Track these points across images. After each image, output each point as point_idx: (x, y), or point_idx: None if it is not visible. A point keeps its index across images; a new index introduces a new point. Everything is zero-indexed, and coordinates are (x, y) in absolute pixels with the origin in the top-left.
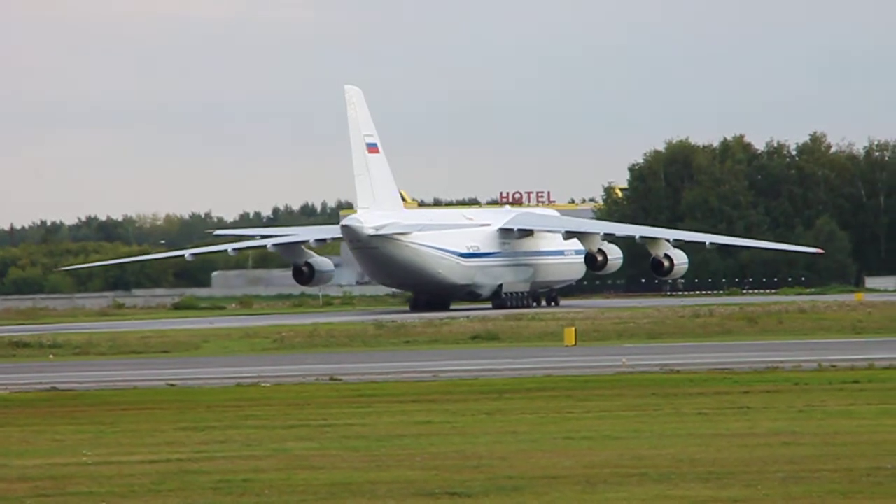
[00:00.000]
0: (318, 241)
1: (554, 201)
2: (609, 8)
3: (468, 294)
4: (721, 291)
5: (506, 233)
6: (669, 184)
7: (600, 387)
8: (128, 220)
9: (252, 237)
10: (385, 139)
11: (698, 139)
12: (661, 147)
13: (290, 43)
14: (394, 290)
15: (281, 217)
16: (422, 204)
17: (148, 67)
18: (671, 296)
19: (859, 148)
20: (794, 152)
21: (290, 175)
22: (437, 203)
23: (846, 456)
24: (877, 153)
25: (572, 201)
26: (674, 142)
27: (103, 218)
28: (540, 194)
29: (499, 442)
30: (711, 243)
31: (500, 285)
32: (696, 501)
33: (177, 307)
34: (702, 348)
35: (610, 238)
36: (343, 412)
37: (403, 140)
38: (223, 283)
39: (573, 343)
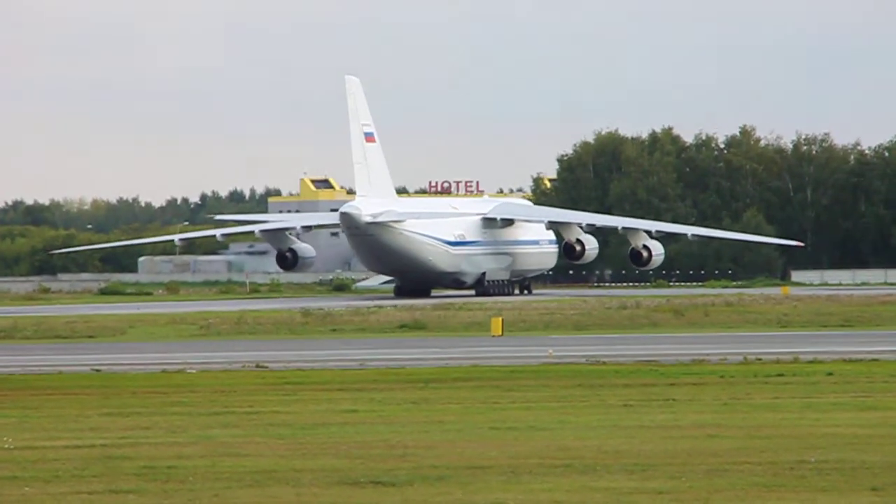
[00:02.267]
0: (304, 227)
1: (483, 191)
2: None
3: (454, 281)
4: (648, 283)
5: (489, 222)
6: (598, 175)
7: (526, 377)
8: (55, 205)
9: (252, 223)
10: (318, 127)
11: (627, 131)
12: (590, 138)
13: (230, 24)
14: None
15: (209, 203)
16: (350, 192)
17: (75, 47)
18: (597, 287)
19: (787, 142)
20: (722, 145)
21: (219, 161)
22: None
23: (770, 449)
24: (804, 147)
25: (501, 191)
26: (603, 133)
27: (30, 202)
28: (469, 183)
29: (424, 431)
30: (693, 235)
31: (484, 273)
32: (621, 493)
33: (103, 292)
34: (628, 340)
35: (590, 229)
36: (269, 400)
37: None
38: (150, 268)
39: (500, 333)
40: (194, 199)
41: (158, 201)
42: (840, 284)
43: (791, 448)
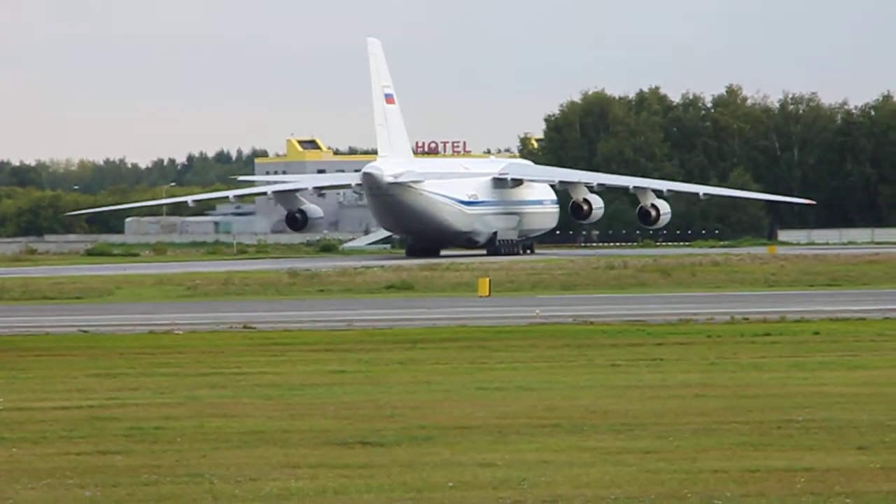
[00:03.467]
0: (316, 188)
1: (469, 151)
2: None
3: (467, 241)
4: (635, 243)
5: (499, 182)
6: (585, 135)
7: (513, 338)
8: (41, 166)
9: (273, 183)
10: (299, 84)
11: (614, 91)
12: (577, 98)
13: None
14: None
15: (196, 164)
16: (337, 153)
17: (62, 8)
18: (585, 247)
19: (774, 101)
20: (709, 105)
21: (206, 122)
22: (353, 151)
23: (757, 408)
24: (791, 106)
25: (488, 151)
26: (590, 93)
27: (16, 163)
28: (455, 144)
29: (412, 392)
30: (705, 194)
31: (495, 233)
32: (609, 452)
33: (90, 253)
34: (615, 300)
35: (600, 188)
36: (256, 360)
37: (320, 88)
38: (137, 229)
39: (487, 294)
40: (181, 160)
41: (145, 162)
42: (827, 244)
43: (778, 407)
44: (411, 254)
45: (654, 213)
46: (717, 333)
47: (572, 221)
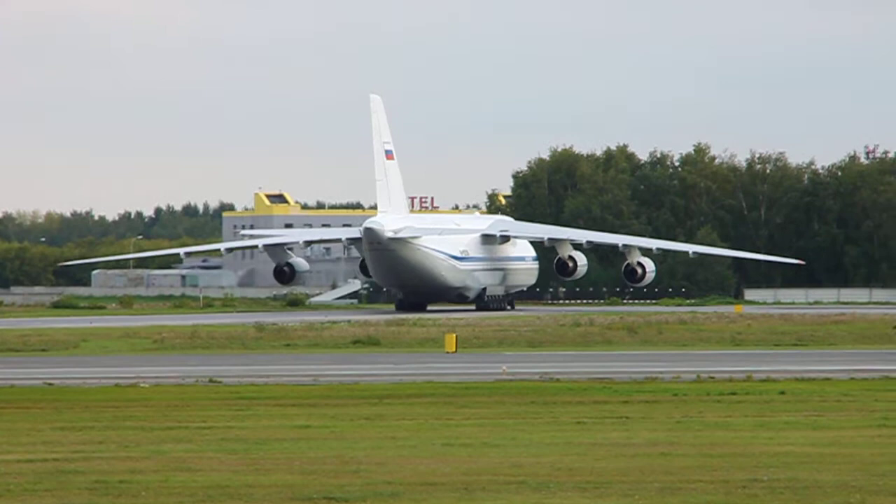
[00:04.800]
0: (306, 242)
1: (437, 207)
2: (498, 12)
3: (458, 296)
4: (602, 301)
5: (488, 238)
6: (553, 191)
7: (480, 394)
8: (7, 217)
9: (270, 237)
10: (266, 138)
11: (582, 148)
12: (545, 155)
13: (193, 39)
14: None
15: (163, 217)
16: (305, 207)
17: (28, 60)
18: (551, 304)
19: (741, 160)
20: (677, 163)
21: (173, 175)
22: (321, 206)
23: (723, 467)
24: (758, 166)
25: (456, 207)
26: (558, 150)
27: None
28: (423, 199)
29: (378, 447)
30: (694, 252)
31: (484, 288)
32: None
33: (56, 305)
34: (582, 357)
35: (591, 245)
36: (222, 414)
37: (287, 143)
38: (103, 282)
39: (454, 350)
40: (148, 212)
41: (112, 215)
42: (793, 303)
43: (744, 466)
44: (401, 308)
45: (640, 270)
46: (684, 392)
47: (545, 278)
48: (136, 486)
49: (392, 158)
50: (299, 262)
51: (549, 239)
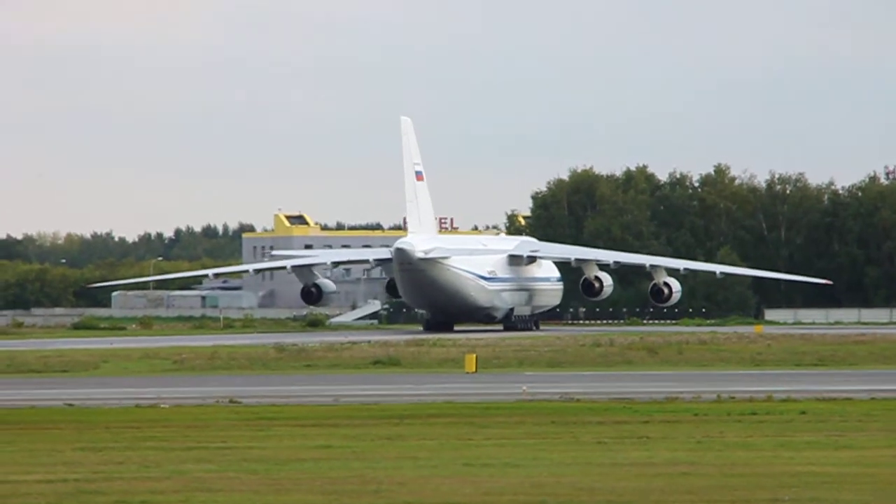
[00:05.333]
0: (334, 263)
1: (457, 228)
2: (516, 33)
3: (485, 316)
4: (622, 321)
5: (514, 259)
6: (572, 212)
7: (500, 414)
8: (28, 239)
9: (299, 258)
10: (287, 159)
11: (602, 169)
12: (564, 175)
13: (206, 61)
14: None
15: (183, 238)
16: (324, 228)
17: (50, 79)
18: (572, 324)
19: (761, 181)
20: (696, 184)
21: (193, 197)
22: (340, 227)
23: (743, 487)
24: (778, 186)
25: (475, 228)
26: (578, 171)
27: (3, 236)
28: (443, 220)
29: (398, 467)
30: (721, 273)
31: (512, 308)
32: None
33: (76, 327)
34: (602, 377)
35: (618, 265)
36: (242, 435)
37: (307, 163)
38: (123, 303)
39: (474, 370)
40: (168, 234)
41: (132, 236)
42: (814, 323)
43: (764, 486)
44: (429, 328)
45: (666, 290)
46: (704, 412)
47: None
48: None
49: (422, 179)
50: (326, 283)
51: (577, 259)
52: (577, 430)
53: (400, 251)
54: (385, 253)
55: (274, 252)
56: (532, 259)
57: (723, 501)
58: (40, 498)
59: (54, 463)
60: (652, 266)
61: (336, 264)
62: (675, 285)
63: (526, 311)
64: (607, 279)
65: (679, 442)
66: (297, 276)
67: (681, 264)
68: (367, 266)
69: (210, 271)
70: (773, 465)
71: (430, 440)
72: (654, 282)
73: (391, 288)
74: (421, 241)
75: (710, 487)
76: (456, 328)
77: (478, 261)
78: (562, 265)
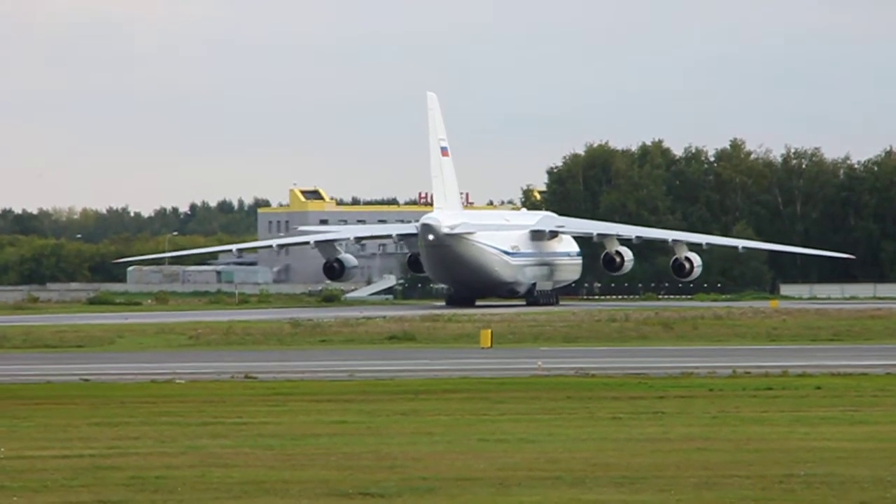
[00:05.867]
0: (357, 238)
1: (472, 203)
2: (532, 8)
3: (509, 291)
4: (637, 296)
5: (537, 234)
6: (587, 187)
7: (516, 389)
8: (43, 214)
9: (322, 233)
10: (301, 134)
11: (617, 143)
12: (580, 150)
13: (217, 39)
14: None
15: (198, 213)
16: (340, 203)
17: (67, 57)
18: (587, 299)
19: (777, 155)
20: (712, 158)
21: (208, 172)
22: (356, 202)
23: (759, 462)
24: (794, 161)
25: (491, 203)
26: (593, 145)
27: (18, 211)
28: (460, 195)
29: (413, 443)
30: (744, 247)
31: (534, 284)
32: None
33: (92, 302)
34: (617, 352)
35: (640, 241)
36: (258, 410)
37: (322, 139)
38: (139, 278)
39: (489, 345)
40: (183, 209)
41: (147, 211)
42: (829, 298)
43: (780, 462)
44: (451, 303)
45: (688, 265)
46: (719, 387)
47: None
48: (172, 481)
49: (447, 155)
50: (348, 258)
51: (599, 234)
52: (592, 405)
53: (426, 226)
54: (408, 228)
55: (301, 227)
56: (554, 234)
57: (738, 476)
58: (56, 473)
59: (70, 438)
60: (674, 241)
61: (359, 239)
62: (697, 260)
63: (548, 286)
64: (628, 254)
65: (694, 417)
66: (319, 251)
67: (703, 239)
68: (389, 241)
69: (234, 246)
70: (788, 441)
71: (445, 416)
72: (675, 256)
73: (413, 263)
74: (447, 217)
75: (726, 463)
76: (477, 303)
77: (502, 236)
78: (578, 240)
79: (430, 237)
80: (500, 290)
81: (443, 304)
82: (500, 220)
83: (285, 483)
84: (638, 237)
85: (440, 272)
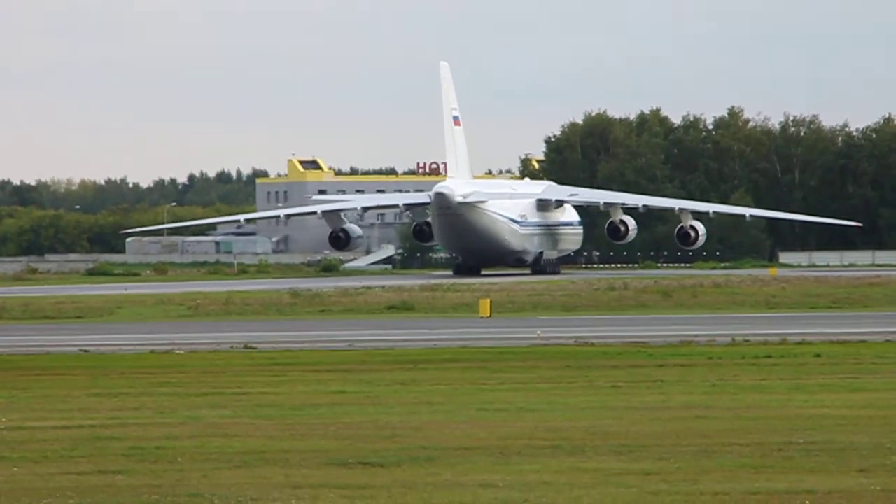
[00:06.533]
0: (364, 208)
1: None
2: None
3: (517, 260)
4: (636, 265)
5: (542, 203)
6: (586, 156)
7: (515, 359)
8: (42, 185)
9: (329, 202)
10: (300, 104)
11: (615, 112)
12: (578, 119)
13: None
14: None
15: (197, 184)
16: (338, 173)
17: (66, 29)
18: (586, 268)
19: (775, 123)
20: (710, 126)
21: (206, 142)
22: (354, 172)
23: (758, 430)
24: (792, 129)
25: (489, 172)
26: (592, 114)
27: (17, 182)
28: None
29: (413, 412)
30: (752, 216)
31: (541, 252)
32: (609, 474)
33: (91, 273)
34: (616, 321)
35: (646, 209)
36: (257, 380)
37: (320, 109)
38: (138, 249)
39: (488, 314)
40: (182, 179)
41: (146, 182)
42: (828, 266)
43: (779, 429)
44: (459, 272)
45: (693, 234)
46: (718, 355)
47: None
48: (172, 451)
49: (459, 125)
50: (353, 227)
51: (605, 203)
52: (591, 374)
53: (440, 195)
54: (418, 198)
55: (315, 196)
56: (560, 203)
57: (738, 444)
58: (56, 444)
59: (69, 409)
60: (680, 209)
61: (366, 209)
62: (701, 228)
63: (553, 255)
64: (632, 223)
65: (693, 385)
66: (326, 221)
67: (710, 207)
68: (387, 212)
69: (242, 216)
70: (787, 408)
71: (445, 385)
72: (680, 224)
73: (418, 233)
74: (459, 186)
75: (725, 431)
76: (483, 272)
77: (511, 205)
78: (578, 209)
79: (443, 206)
80: (509, 258)
81: (450, 273)
82: (506, 189)
83: (285, 453)
84: (644, 206)
85: (451, 241)
